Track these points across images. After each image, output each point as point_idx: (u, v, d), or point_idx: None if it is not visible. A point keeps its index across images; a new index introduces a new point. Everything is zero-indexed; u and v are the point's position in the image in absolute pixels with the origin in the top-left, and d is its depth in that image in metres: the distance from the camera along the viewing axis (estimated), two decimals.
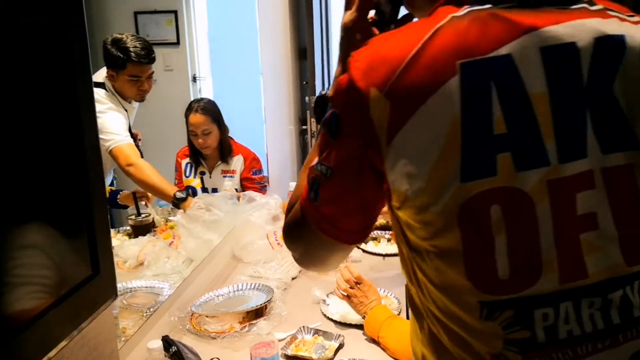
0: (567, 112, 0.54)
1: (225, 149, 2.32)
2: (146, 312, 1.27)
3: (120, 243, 1.76)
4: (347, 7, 0.72)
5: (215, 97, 3.72)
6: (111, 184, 2.36)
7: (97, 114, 2.28)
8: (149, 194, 2.03)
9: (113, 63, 2.06)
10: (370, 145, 0.57)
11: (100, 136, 2.24)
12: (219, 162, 2.34)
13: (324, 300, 1.45)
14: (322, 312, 1.41)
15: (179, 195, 1.94)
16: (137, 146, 2.30)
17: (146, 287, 1.44)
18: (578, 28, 0.55)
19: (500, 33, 0.54)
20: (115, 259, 1.64)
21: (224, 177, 2.34)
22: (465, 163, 0.53)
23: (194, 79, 3.62)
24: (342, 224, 0.65)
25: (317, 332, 1.30)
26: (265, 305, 1.39)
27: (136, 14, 3.52)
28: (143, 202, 2.02)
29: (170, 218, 1.94)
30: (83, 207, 0.74)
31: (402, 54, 0.55)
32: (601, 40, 0.55)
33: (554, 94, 0.54)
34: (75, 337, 0.73)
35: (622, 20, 0.58)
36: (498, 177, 0.53)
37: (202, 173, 2.35)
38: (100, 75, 2.15)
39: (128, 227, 1.90)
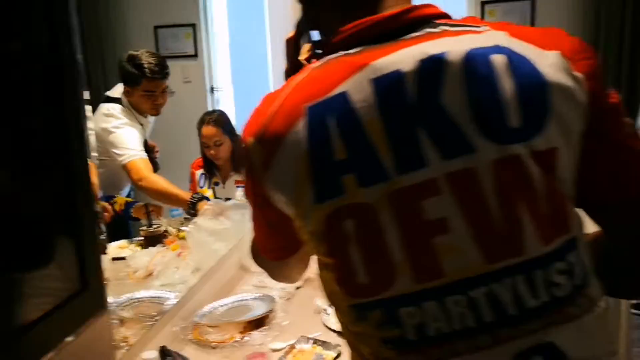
0: (400, 131, 0.60)
1: (238, 159, 2.37)
2: (149, 322, 1.31)
3: (132, 253, 1.81)
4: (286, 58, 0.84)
5: (236, 108, 3.79)
6: (128, 196, 2.43)
7: (113, 129, 2.36)
8: (160, 208, 2.10)
9: (128, 79, 2.14)
10: (257, 180, 0.68)
11: (115, 151, 2.31)
12: (232, 173, 2.39)
13: (325, 310, 1.46)
14: (323, 322, 1.42)
15: (195, 197, 2.01)
16: (154, 158, 2.37)
17: (153, 297, 1.49)
18: (403, 55, 0.61)
19: (339, 74, 0.63)
20: (127, 270, 1.72)
21: (237, 187, 2.39)
22: (316, 187, 0.62)
23: (212, 90, 3.69)
24: (267, 244, 0.80)
25: (316, 341, 1.31)
26: (267, 315, 1.41)
27: (156, 28, 3.62)
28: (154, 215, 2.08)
29: (182, 228, 1.99)
30: (70, 223, 0.78)
31: (270, 108, 0.66)
32: (425, 61, 0.60)
33: (386, 118, 0.60)
34: (66, 350, 0.76)
35: (459, 33, 0.62)
36: (346, 195, 0.61)
37: (216, 184, 2.40)
38: (117, 91, 2.23)
39: (141, 238, 1.97)
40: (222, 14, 3.88)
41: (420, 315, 0.60)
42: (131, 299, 1.44)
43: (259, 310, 1.43)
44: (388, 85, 0.60)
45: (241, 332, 1.36)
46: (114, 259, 1.81)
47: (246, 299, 1.52)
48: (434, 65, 0.60)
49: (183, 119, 3.20)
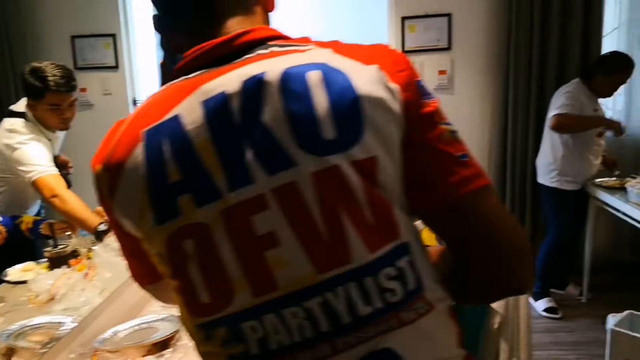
0: (228, 150, 0.62)
1: None
2: (42, 350, 1.25)
3: (35, 276, 1.72)
4: None
5: None
6: (37, 214, 2.31)
7: (17, 145, 2.25)
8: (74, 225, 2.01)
9: (32, 92, 2.04)
10: (108, 208, 0.69)
11: (21, 168, 2.20)
12: None
13: None
14: None
15: (101, 228, 1.93)
16: (67, 174, 2.27)
17: (51, 322, 1.41)
18: (229, 77, 0.63)
19: (174, 98, 0.65)
20: (28, 294, 1.63)
21: None
22: (155, 210, 0.64)
23: (134, 102, 3.59)
24: (134, 269, 0.79)
25: None
26: (172, 336, 1.38)
27: (73, 37, 3.49)
28: (69, 233, 1.99)
29: (93, 248, 1.91)
30: None
31: (116, 134, 0.67)
32: (247, 82, 0.62)
33: (215, 138, 0.62)
34: None
35: (284, 53, 0.65)
36: (183, 216, 0.62)
37: None
38: (22, 104, 2.12)
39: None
40: (147, 23, 3.79)
41: (262, 329, 0.61)
42: (25, 326, 1.36)
43: (164, 331, 1.39)
44: (215, 107, 0.62)
45: (144, 356, 1.32)
46: (14, 282, 1.72)
47: (151, 321, 1.47)
48: (255, 85, 0.62)
49: (102, 132, 3.09)
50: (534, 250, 3.50)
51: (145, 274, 0.77)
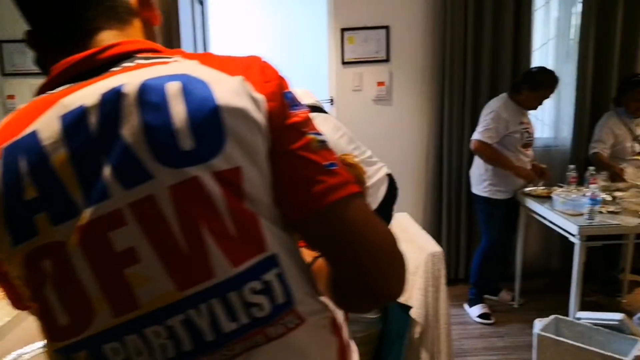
0: (85, 165, 0.60)
1: None
2: None
3: None
4: None
5: None
6: None
7: None
8: None
9: None
10: None
11: None
12: None
13: None
14: None
15: None
16: None
17: None
18: (90, 90, 0.62)
19: (34, 113, 0.63)
20: None
21: None
22: (11, 230, 0.61)
23: None
24: (6, 294, 0.73)
25: None
26: None
27: (0, 42, 3.35)
28: None
29: None
30: None
31: None
32: (106, 94, 0.61)
33: (72, 153, 0.60)
34: None
35: (148, 65, 0.64)
36: (40, 235, 0.60)
37: None
38: None
39: None
40: None
41: (124, 350, 0.59)
42: None
43: None
44: (73, 121, 0.60)
45: None
46: None
47: None
48: (112, 97, 0.60)
49: None
50: (469, 256, 3.60)
51: (16, 298, 0.73)
